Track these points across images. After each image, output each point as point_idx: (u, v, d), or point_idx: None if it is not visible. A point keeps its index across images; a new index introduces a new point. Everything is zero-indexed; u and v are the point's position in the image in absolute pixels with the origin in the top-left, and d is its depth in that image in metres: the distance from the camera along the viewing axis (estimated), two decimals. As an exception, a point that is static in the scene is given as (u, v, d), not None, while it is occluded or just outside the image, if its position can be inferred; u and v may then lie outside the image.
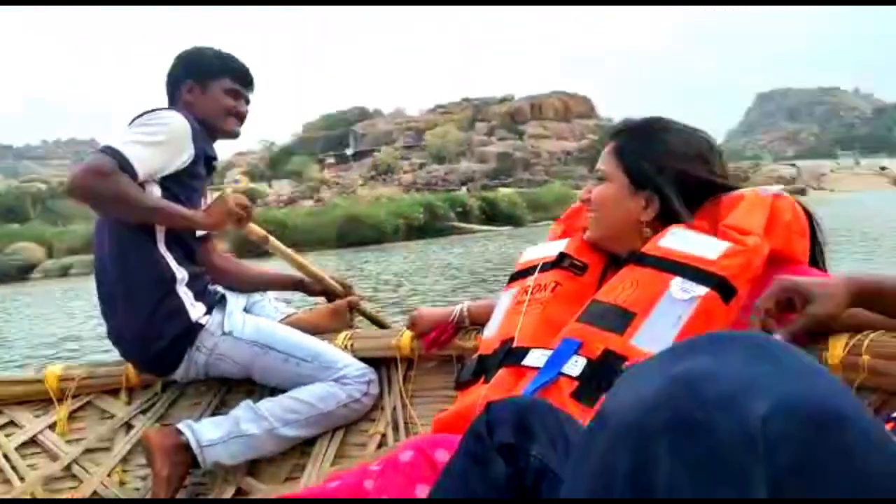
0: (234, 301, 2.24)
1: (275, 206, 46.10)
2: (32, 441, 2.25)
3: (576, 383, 1.24)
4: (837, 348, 1.33)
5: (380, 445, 2.07)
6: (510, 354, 1.39)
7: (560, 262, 1.52)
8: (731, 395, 0.49)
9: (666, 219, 1.42)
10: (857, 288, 1.23)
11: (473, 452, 0.97)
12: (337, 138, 75.91)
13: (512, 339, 1.42)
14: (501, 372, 1.37)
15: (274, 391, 2.14)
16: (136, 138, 1.98)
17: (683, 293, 1.26)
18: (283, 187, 59.13)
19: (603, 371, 1.22)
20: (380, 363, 2.20)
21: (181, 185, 2.07)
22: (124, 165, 1.91)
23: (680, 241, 1.35)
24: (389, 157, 60.06)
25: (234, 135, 2.29)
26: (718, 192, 1.43)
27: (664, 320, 1.25)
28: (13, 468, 2.18)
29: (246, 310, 2.34)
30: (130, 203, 1.94)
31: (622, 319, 1.27)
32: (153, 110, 2.09)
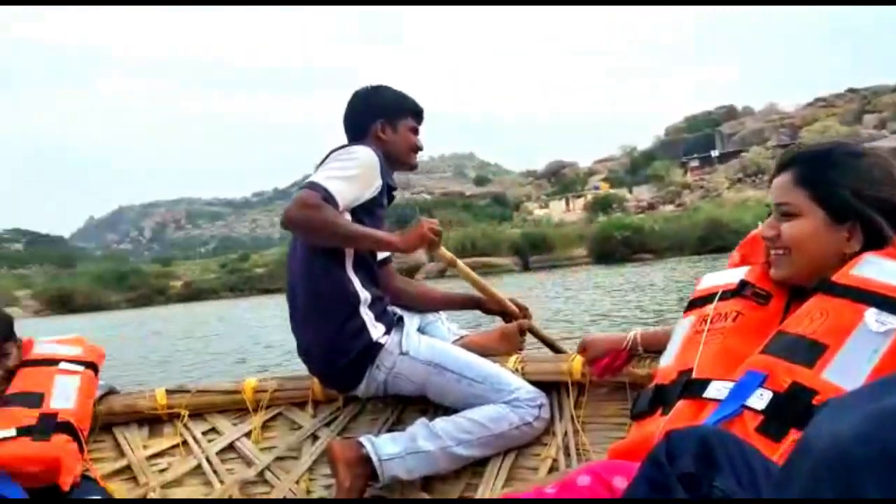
0: (409, 322, 2.35)
1: (633, 212, 45.53)
2: (230, 447, 2.46)
3: (761, 417, 1.19)
4: None
5: (551, 470, 2.08)
6: (689, 386, 1.36)
7: (741, 290, 1.48)
8: None
9: (869, 249, 1.34)
10: None
11: (653, 479, 0.97)
12: (701, 140, 72.24)
13: (691, 370, 1.39)
14: (680, 404, 1.35)
15: (448, 410, 2.22)
16: (335, 173, 2.16)
17: (880, 325, 1.19)
18: (643, 192, 59.06)
19: (790, 405, 1.18)
20: (551, 387, 2.22)
21: (368, 213, 2.23)
22: (328, 198, 2.09)
23: (875, 269, 1.27)
24: (760, 158, 54.87)
25: (414, 167, 2.49)
26: None
27: (858, 354, 1.18)
28: (214, 472, 2.40)
29: (420, 330, 2.44)
30: (339, 231, 2.13)
31: (812, 352, 1.22)
32: (345, 146, 2.28)
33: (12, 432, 2.00)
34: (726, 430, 1.08)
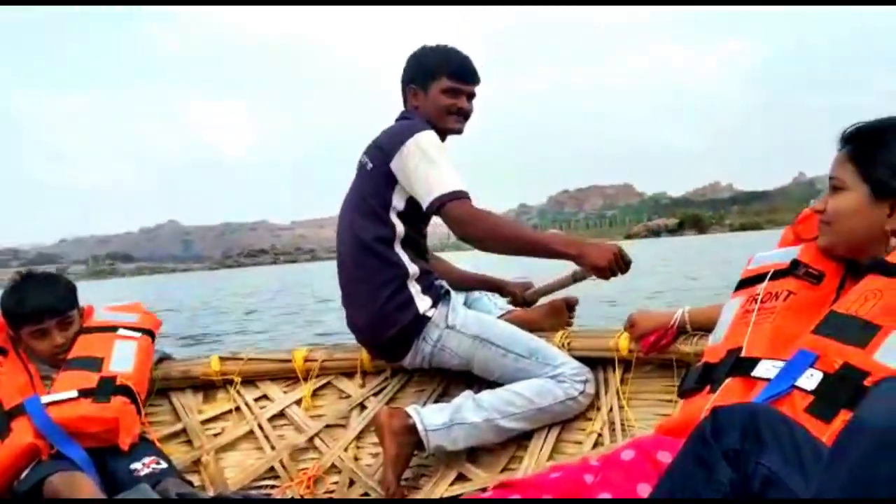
0: (456, 296, 2.37)
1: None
2: (281, 414, 2.53)
3: (811, 397, 1.19)
4: None
5: (595, 444, 2.09)
6: (738, 364, 1.36)
7: (794, 269, 1.46)
8: None
9: None
10: None
11: (698, 455, 0.98)
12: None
13: (740, 349, 1.38)
14: (729, 382, 1.35)
15: (492, 384, 2.24)
16: (442, 170, 2.17)
17: None
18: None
19: (841, 386, 1.17)
20: (597, 363, 2.22)
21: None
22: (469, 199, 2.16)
23: None
24: None
25: (457, 132, 2.39)
26: None
27: None
28: (266, 437, 2.47)
29: (467, 304, 2.46)
30: (524, 237, 2.20)
31: (865, 333, 1.20)
32: (407, 131, 2.23)
33: (74, 394, 2.08)
34: (774, 408, 1.08)
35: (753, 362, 1.33)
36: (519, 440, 2.20)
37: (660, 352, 2.02)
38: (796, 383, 1.21)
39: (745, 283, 1.56)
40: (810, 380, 1.20)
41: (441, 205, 2.14)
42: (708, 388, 1.40)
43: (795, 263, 1.47)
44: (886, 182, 1.35)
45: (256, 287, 28.42)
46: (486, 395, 2.17)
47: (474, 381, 2.32)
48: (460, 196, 2.14)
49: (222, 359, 2.63)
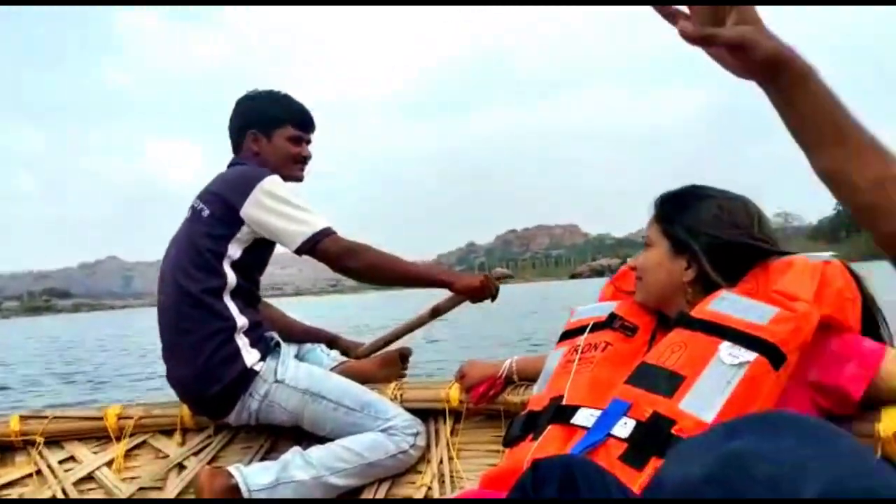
0: (287, 348, 2.30)
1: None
2: (90, 477, 2.32)
3: (624, 445, 1.24)
4: (891, 419, 1.31)
5: (426, 497, 2.08)
6: (560, 412, 1.40)
7: (611, 322, 1.55)
8: (782, 477, 0.51)
9: (707, 281, 1.45)
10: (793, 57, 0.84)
11: None
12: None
13: (561, 397, 1.43)
14: (550, 430, 1.38)
15: (323, 439, 2.18)
16: (304, 211, 2.17)
17: (732, 358, 1.27)
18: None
19: (651, 434, 1.23)
20: (428, 415, 2.23)
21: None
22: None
23: (729, 305, 1.36)
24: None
25: (299, 179, 2.39)
26: (760, 256, 1.45)
27: (713, 385, 1.25)
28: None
29: (298, 357, 2.39)
30: (400, 270, 2.25)
31: (671, 382, 1.28)
32: (253, 177, 2.19)
33: None
34: (589, 459, 1.12)
35: (573, 410, 1.38)
36: (349, 494, 2.14)
37: (488, 402, 2.05)
38: (612, 431, 1.27)
39: (568, 334, 1.63)
40: (624, 428, 1.26)
41: (314, 244, 2.13)
42: (531, 435, 1.43)
43: (612, 317, 1.56)
44: (683, 239, 1.49)
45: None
46: (315, 451, 2.11)
47: (304, 436, 2.24)
48: (329, 233, 2.15)
49: (23, 417, 2.39)
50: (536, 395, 1.55)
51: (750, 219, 1.50)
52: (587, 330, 1.56)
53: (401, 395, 2.24)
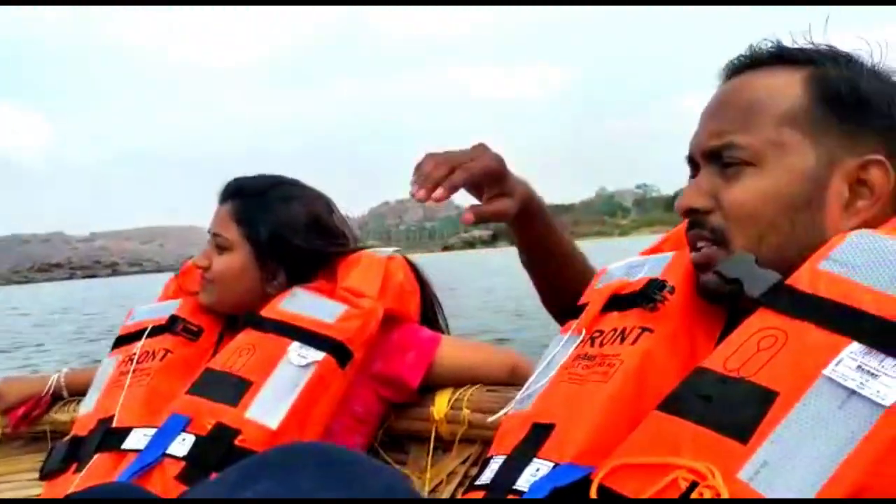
0: None
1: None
2: None
3: (182, 463, 1.12)
4: (442, 403, 1.40)
5: None
6: (109, 436, 1.23)
7: (172, 325, 1.40)
8: None
9: (290, 285, 1.38)
10: (529, 195, 1.05)
11: None
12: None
13: (112, 418, 1.25)
14: (98, 458, 1.20)
15: None
16: None
17: (301, 359, 1.23)
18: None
19: (213, 448, 1.13)
20: None
21: None
22: None
23: (299, 303, 1.32)
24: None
25: None
26: (331, 257, 1.43)
27: (281, 388, 1.20)
28: None
29: None
30: None
31: (237, 389, 1.19)
32: None
33: None
34: (131, 485, 0.99)
35: (125, 433, 1.22)
36: None
37: (30, 425, 1.74)
38: (167, 451, 1.14)
39: (122, 340, 1.44)
40: (182, 445, 1.14)
41: None
42: (75, 466, 1.23)
43: (174, 319, 1.41)
44: (272, 247, 1.38)
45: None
46: None
47: None
48: None
49: None
50: (83, 416, 1.34)
51: (330, 216, 1.46)
52: (144, 335, 1.39)
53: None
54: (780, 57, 0.82)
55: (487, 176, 0.96)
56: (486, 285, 18.38)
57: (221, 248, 1.40)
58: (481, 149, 0.96)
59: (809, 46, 0.82)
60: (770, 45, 0.83)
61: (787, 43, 0.83)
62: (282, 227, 1.39)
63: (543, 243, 1.10)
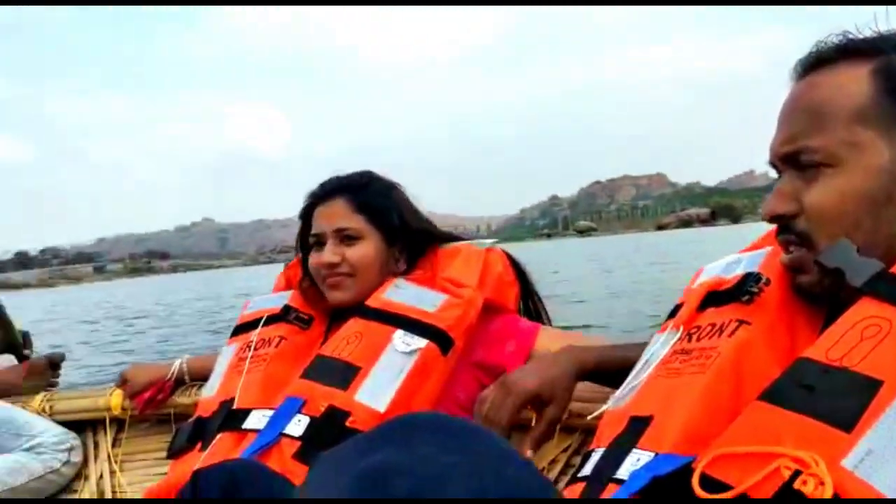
0: None
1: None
2: None
3: (298, 443, 1.19)
4: None
5: None
6: (230, 417, 1.31)
7: (285, 315, 1.48)
8: (422, 490, 0.50)
9: (406, 272, 1.45)
10: (581, 367, 1.13)
11: None
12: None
13: (232, 400, 1.34)
14: (220, 437, 1.29)
15: None
16: None
17: (405, 346, 1.28)
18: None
19: (326, 429, 1.20)
20: (86, 426, 1.98)
21: None
22: None
23: (402, 293, 1.38)
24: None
25: None
26: (437, 242, 1.49)
27: (387, 374, 1.26)
28: None
29: None
30: None
31: (346, 374, 1.26)
32: None
33: None
34: (255, 462, 1.06)
35: (245, 414, 1.30)
36: None
37: (156, 408, 1.88)
38: (285, 431, 1.21)
39: (240, 329, 1.53)
40: (298, 426, 1.21)
41: None
42: (199, 445, 1.32)
43: (287, 308, 1.49)
44: (394, 228, 1.44)
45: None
46: None
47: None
48: None
49: None
50: (205, 399, 1.44)
51: (417, 206, 1.53)
52: (260, 324, 1.49)
53: (50, 408, 1.96)
54: (846, 50, 0.81)
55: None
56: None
57: (351, 238, 1.42)
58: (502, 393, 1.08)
59: (875, 35, 0.81)
60: (836, 38, 0.82)
61: (853, 35, 0.82)
62: (405, 212, 1.46)
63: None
